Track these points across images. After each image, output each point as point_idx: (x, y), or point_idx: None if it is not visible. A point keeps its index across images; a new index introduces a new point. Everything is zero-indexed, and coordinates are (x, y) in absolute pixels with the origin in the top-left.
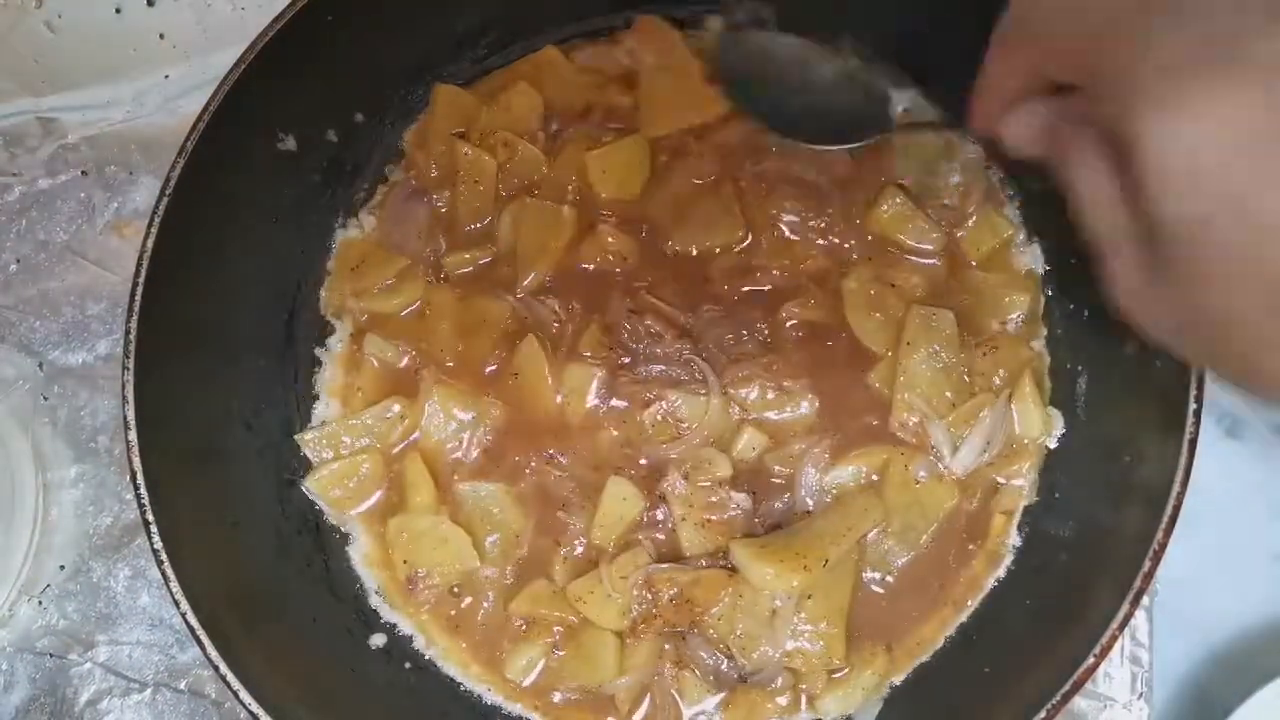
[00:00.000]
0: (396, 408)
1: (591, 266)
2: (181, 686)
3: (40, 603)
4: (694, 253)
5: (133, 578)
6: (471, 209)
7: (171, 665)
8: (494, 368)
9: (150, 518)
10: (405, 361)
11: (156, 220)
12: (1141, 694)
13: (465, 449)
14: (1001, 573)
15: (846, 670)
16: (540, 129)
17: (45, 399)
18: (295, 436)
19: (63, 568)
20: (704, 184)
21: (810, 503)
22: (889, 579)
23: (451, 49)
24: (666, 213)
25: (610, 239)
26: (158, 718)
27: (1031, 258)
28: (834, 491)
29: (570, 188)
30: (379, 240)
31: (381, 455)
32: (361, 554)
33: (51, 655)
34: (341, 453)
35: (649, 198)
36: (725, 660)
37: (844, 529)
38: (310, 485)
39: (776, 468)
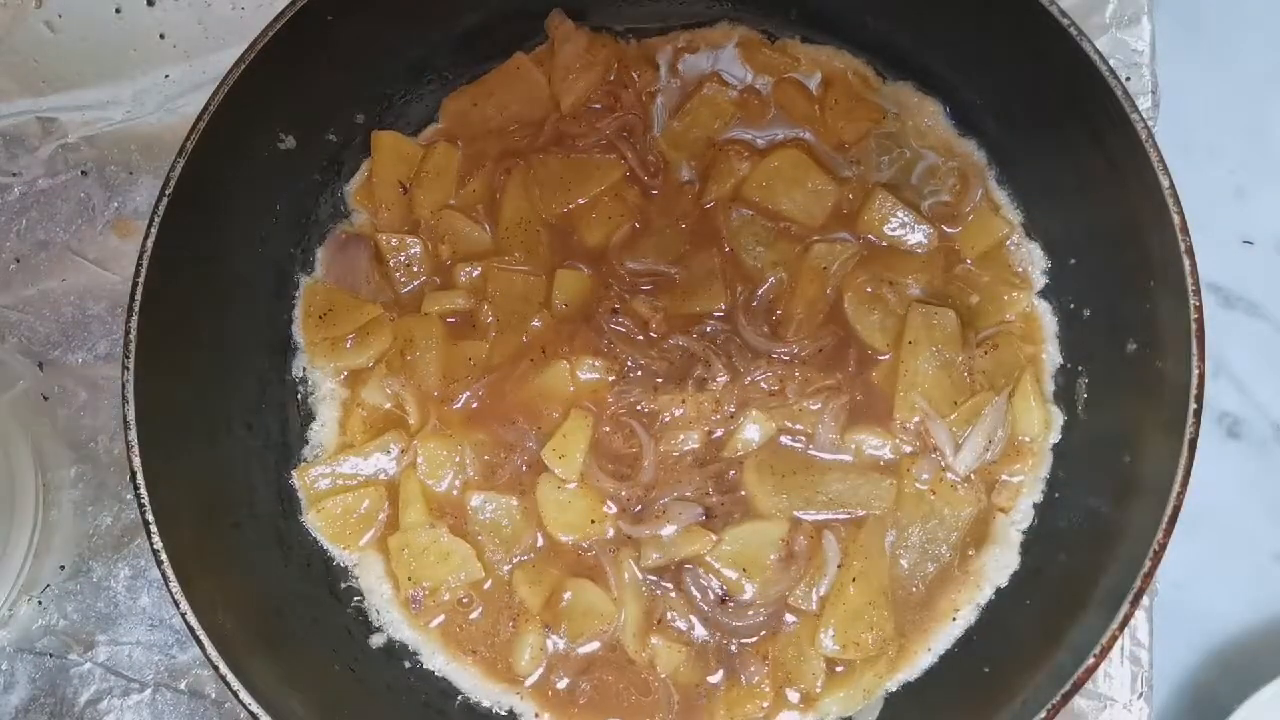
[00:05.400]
0: (395, 448)
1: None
2: (181, 686)
3: (40, 603)
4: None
5: (133, 578)
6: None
7: (171, 665)
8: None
9: (150, 518)
10: (391, 405)
11: (156, 220)
12: (1141, 694)
13: (464, 472)
14: (1002, 573)
15: (845, 668)
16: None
17: (45, 399)
18: (293, 472)
19: (63, 568)
20: (687, 228)
21: (826, 459)
22: (915, 589)
23: (452, 48)
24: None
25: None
26: (158, 718)
27: (1030, 257)
28: (851, 453)
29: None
30: (336, 283)
31: (381, 488)
32: (367, 574)
33: (51, 655)
34: (340, 487)
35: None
36: (718, 592)
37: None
38: (309, 522)
39: (787, 423)
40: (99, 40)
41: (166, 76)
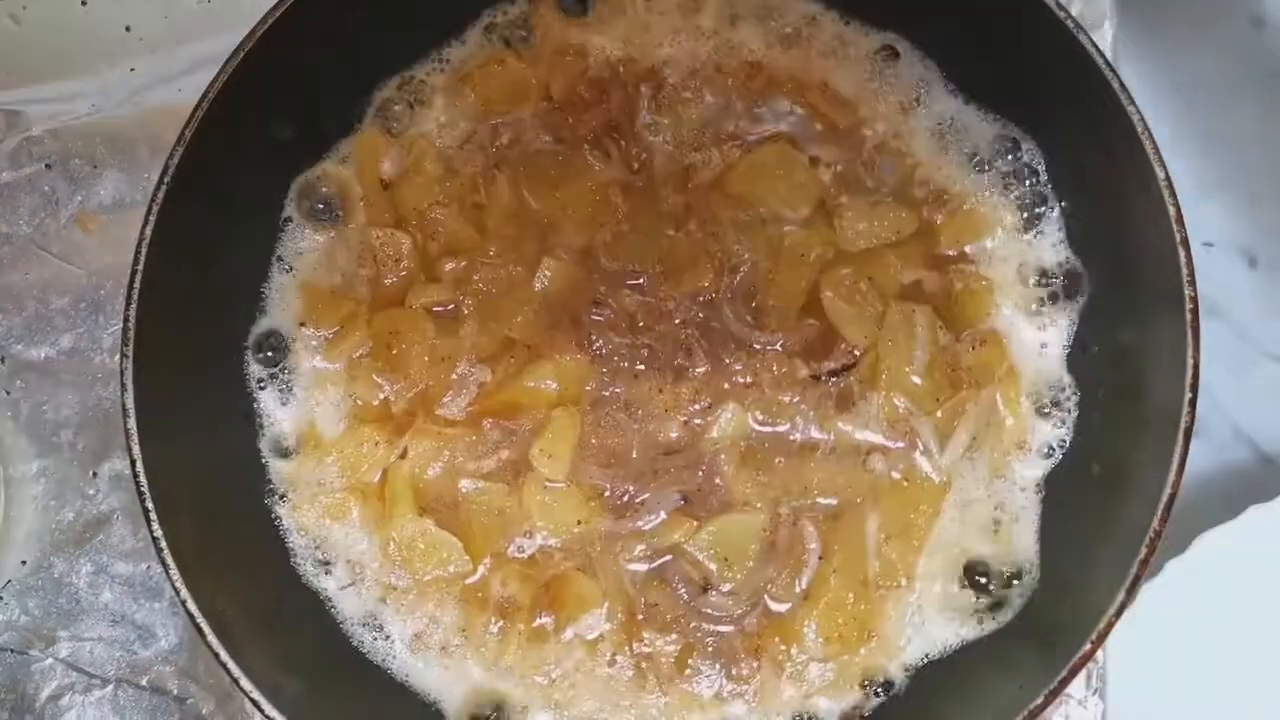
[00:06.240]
0: (384, 442)
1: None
2: (143, 683)
3: (1, 598)
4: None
5: (95, 574)
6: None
7: (133, 661)
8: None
9: (149, 505)
10: (381, 399)
11: (155, 209)
12: (1096, 690)
13: (452, 466)
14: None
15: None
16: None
17: (8, 393)
18: (285, 463)
19: (24, 563)
20: (671, 221)
21: (806, 450)
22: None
23: (442, 43)
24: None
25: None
26: (119, 714)
27: (1019, 250)
28: (832, 445)
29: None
30: (324, 277)
31: (371, 481)
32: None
33: (12, 651)
34: (330, 480)
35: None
36: (701, 583)
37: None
38: (301, 514)
39: (767, 415)
40: (64, 33)
41: (132, 70)
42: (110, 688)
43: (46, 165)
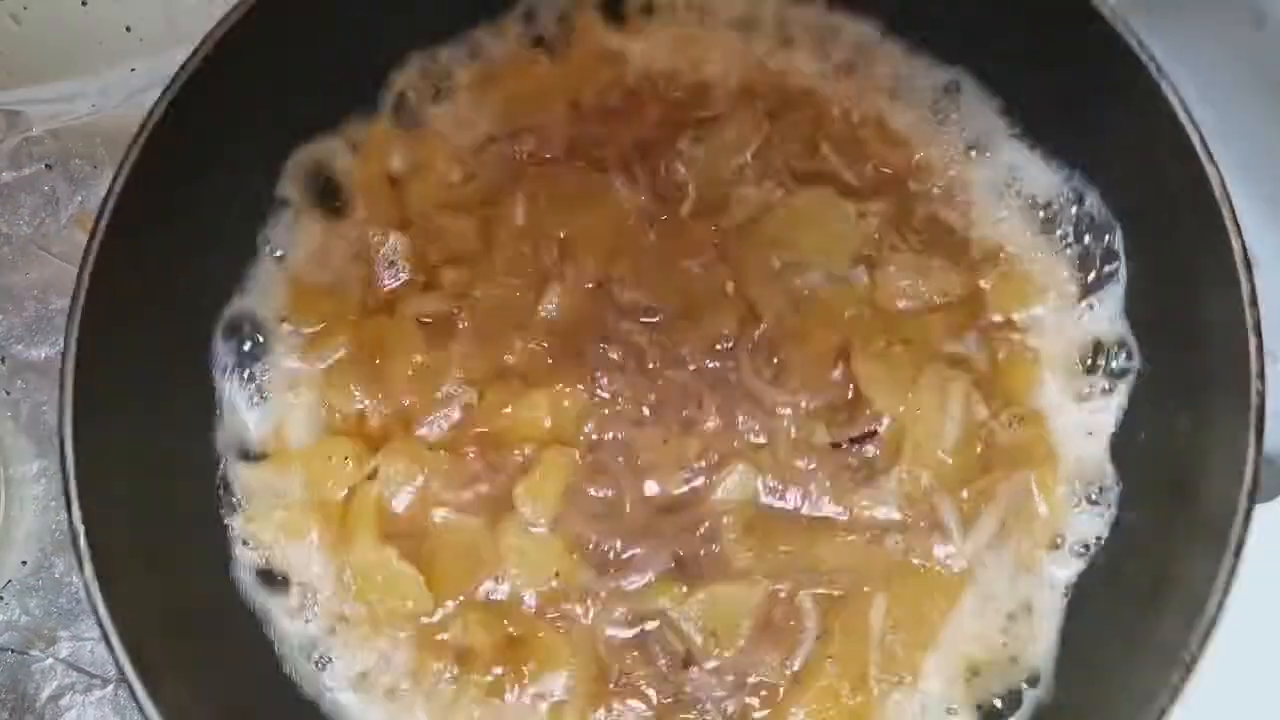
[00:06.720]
0: (355, 460)
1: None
2: None
3: (2, 598)
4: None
5: None
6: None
7: None
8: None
9: (74, 498)
10: (357, 410)
11: (129, 159)
12: None
13: (425, 494)
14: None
15: None
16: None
17: (8, 394)
18: (245, 475)
19: (25, 563)
20: (696, 258)
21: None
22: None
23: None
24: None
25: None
26: (119, 714)
27: (1073, 321)
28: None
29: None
30: (313, 277)
31: (336, 500)
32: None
33: (13, 651)
34: (292, 494)
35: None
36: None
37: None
38: (254, 530)
39: (777, 481)
40: (65, 32)
41: (133, 70)
42: (110, 688)
43: (46, 165)
